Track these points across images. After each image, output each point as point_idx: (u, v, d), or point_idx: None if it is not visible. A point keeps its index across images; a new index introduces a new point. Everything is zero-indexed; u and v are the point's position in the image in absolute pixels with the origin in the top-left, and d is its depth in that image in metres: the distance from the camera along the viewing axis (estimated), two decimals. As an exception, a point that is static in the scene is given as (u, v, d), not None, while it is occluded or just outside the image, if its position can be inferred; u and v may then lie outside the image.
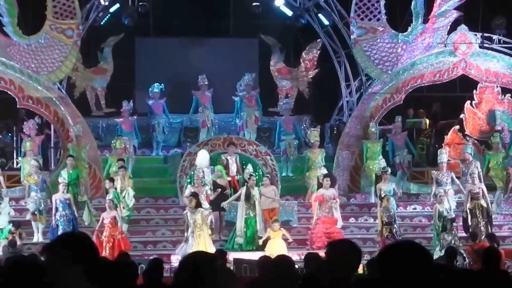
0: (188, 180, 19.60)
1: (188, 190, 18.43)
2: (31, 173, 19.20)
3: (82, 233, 4.26)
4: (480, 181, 19.38)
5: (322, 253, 14.90)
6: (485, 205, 18.77)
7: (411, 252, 3.90)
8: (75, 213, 18.57)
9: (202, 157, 19.76)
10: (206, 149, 20.34)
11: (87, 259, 3.65)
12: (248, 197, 18.31)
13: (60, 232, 16.93)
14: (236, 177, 20.11)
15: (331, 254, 4.92)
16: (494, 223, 19.25)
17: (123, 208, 18.82)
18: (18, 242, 17.85)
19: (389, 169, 20.19)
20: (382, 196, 18.99)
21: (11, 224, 18.29)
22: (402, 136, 22.06)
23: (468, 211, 18.64)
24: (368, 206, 20.57)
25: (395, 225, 18.03)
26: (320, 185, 18.83)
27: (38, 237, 18.56)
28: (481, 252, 9.77)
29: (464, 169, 20.10)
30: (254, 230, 18.26)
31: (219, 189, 19.24)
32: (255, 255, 13.99)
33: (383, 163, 20.91)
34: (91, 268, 3.66)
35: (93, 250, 3.74)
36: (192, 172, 19.69)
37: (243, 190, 18.61)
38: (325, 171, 19.56)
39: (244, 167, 20.28)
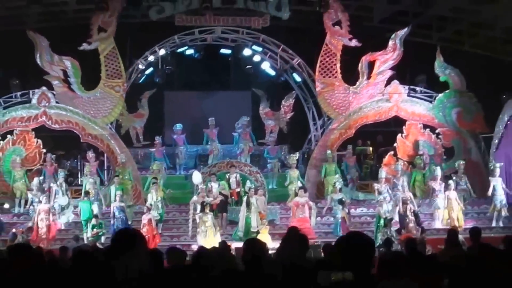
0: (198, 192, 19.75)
1: (197, 198, 19.30)
2: (90, 188, 20.56)
3: (132, 229, 4.65)
4: (408, 191, 20.52)
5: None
6: (412, 207, 19.65)
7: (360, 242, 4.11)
8: (127, 216, 19.67)
9: (195, 176, 20.23)
10: (214, 170, 21.22)
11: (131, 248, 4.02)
12: (248, 203, 19.16)
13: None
14: (236, 189, 20.97)
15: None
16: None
17: (157, 212, 19.80)
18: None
19: (340, 183, 20.89)
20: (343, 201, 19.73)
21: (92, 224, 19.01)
22: (353, 159, 23.38)
23: (402, 212, 19.33)
24: (329, 208, 20.94)
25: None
26: (296, 194, 20.19)
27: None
28: (406, 241, 11.28)
29: (395, 181, 20.95)
30: (249, 226, 19.04)
31: (221, 197, 19.98)
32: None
33: (336, 179, 21.39)
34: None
35: (136, 241, 4.06)
36: (205, 186, 20.14)
37: (244, 199, 19.43)
38: (300, 185, 20.86)
39: (242, 182, 20.99)
